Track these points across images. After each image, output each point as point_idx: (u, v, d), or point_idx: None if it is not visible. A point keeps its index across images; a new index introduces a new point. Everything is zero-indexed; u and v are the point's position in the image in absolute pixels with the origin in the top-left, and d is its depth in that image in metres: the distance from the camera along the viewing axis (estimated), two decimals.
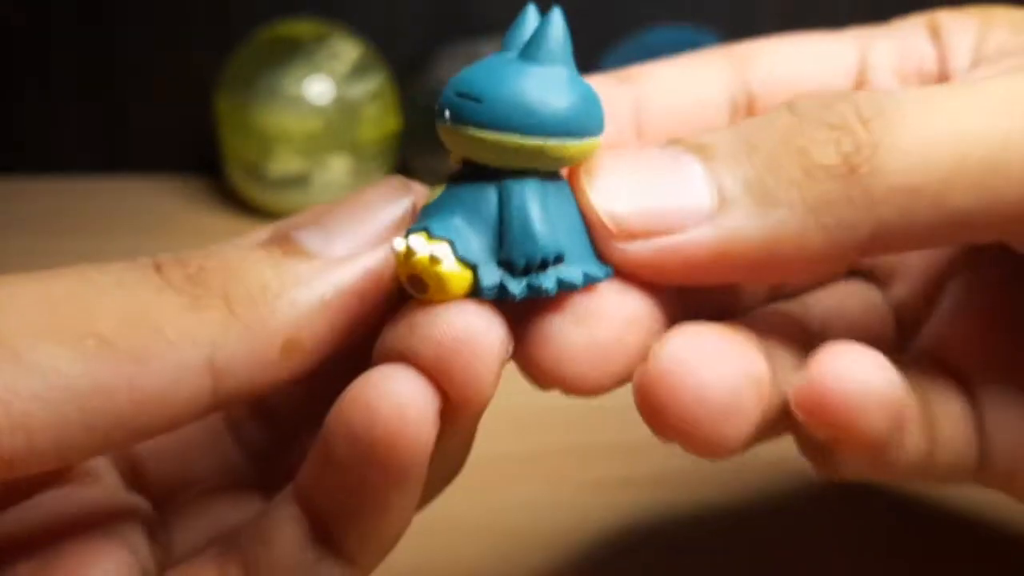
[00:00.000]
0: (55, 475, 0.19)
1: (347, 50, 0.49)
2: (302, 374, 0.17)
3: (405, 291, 0.17)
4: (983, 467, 0.20)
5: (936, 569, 0.28)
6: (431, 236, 0.16)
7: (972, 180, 0.16)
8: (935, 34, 0.22)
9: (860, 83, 0.22)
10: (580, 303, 0.17)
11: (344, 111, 0.48)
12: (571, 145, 0.16)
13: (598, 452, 0.33)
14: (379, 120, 0.49)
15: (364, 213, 0.17)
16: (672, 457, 0.33)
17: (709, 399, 0.16)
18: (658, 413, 0.16)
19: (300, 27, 0.50)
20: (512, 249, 0.16)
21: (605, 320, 0.17)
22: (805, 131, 0.17)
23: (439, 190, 0.17)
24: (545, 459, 0.32)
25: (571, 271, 0.17)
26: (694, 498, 0.31)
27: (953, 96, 0.17)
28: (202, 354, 0.15)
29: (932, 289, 0.22)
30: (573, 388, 0.17)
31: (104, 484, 0.19)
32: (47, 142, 0.55)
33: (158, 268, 0.16)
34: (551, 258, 0.16)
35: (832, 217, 0.16)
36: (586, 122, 0.17)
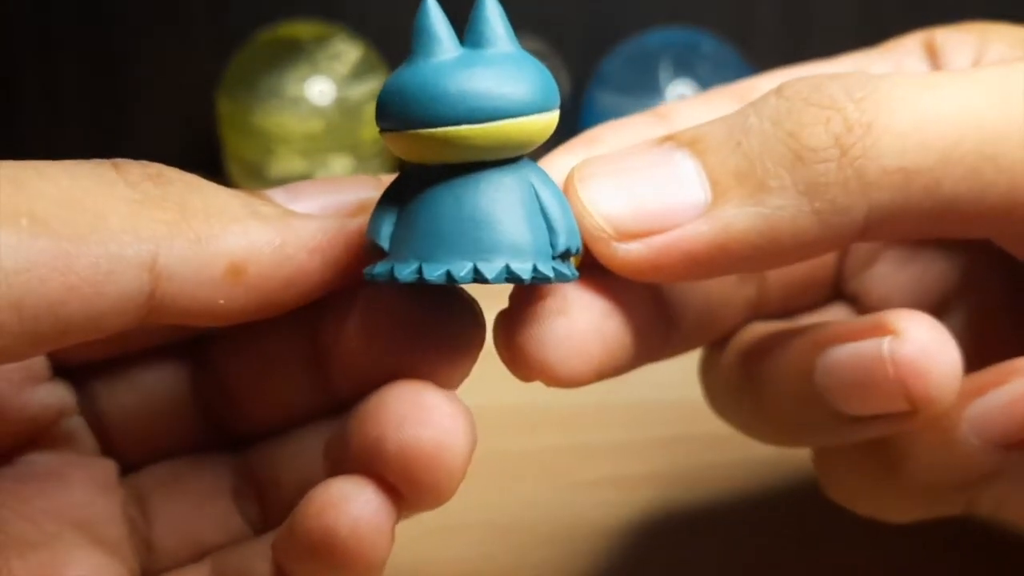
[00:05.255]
0: (33, 438, 0.19)
1: (348, 51, 0.49)
2: (241, 311, 0.16)
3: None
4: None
5: (938, 566, 0.28)
6: None
7: (966, 166, 0.16)
8: (932, 53, 0.21)
9: None
10: (561, 294, 0.17)
11: (345, 112, 0.48)
12: (547, 118, 0.16)
13: (593, 451, 0.33)
14: None
15: (331, 189, 0.18)
16: (667, 456, 0.33)
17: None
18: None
19: (301, 28, 0.50)
20: (567, 236, 0.16)
21: (586, 310, 0.17)
22: (794, 114, 0.17)
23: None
24: (540, 457, 0.33)
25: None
26: (689, 496, 0.31)
27: (949, 81, 0.17)
28: (144, 250, 0.15)
29: None
30: (555, 376, 0.17)
31: (81, 447, 0.19)
32: (47, 142, 0.55)
33: (115, 165, 0.16)
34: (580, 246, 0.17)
35: (825, 201, 0.16)
36: (555, 93, 0.16)
